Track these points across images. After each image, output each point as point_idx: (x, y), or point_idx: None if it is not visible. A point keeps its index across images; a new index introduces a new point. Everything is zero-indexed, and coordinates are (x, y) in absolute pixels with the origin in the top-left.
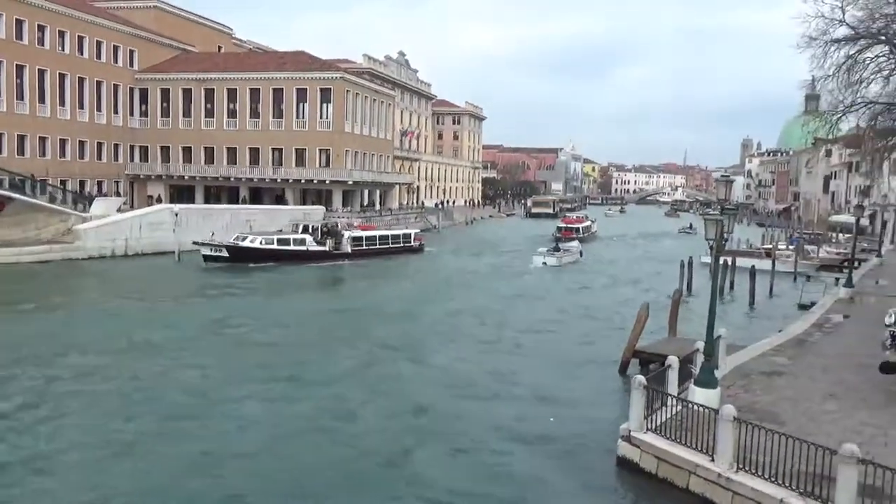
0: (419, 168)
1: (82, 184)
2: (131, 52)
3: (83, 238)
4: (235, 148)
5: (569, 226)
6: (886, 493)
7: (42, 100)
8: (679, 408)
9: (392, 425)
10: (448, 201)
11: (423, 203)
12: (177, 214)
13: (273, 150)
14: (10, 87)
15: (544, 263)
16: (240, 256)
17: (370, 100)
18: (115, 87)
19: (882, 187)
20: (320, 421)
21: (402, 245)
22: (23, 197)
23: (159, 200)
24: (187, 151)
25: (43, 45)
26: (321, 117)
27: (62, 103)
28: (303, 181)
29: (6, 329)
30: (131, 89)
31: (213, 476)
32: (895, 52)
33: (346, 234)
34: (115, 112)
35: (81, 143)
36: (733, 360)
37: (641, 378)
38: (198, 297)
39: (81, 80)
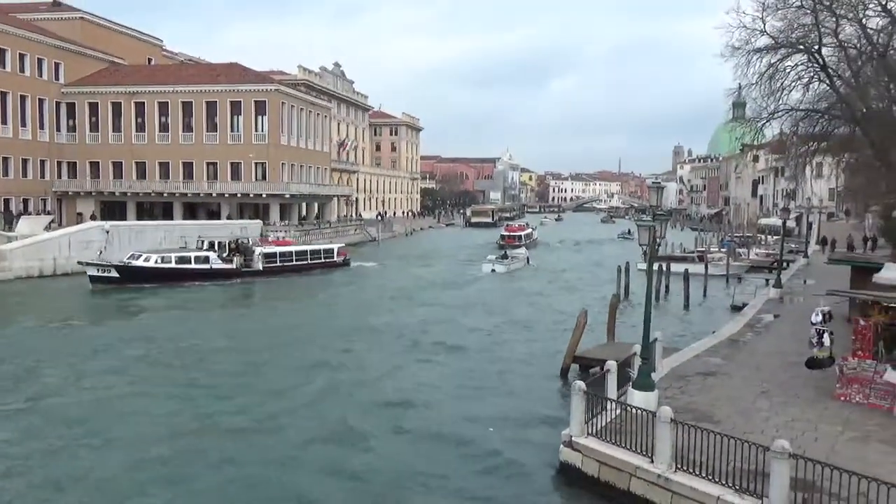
0: (357, 180)
1: (7, 202)
2: (56, 64)
3: (9, 258)
4: (168, 162)
5: (512, 233)
6: (818, 486)
7: None
8: (619, 411)
9: (316, 447)
10: (387, 213)
11: (360, 215)
12: (107, 232)
13: (207, 164)
14: None
15: (493, 270)
16: (132, 277)
17: (306, 111)
18: (41, 101)
19: (806, 190)
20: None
21: (322, 260)
22: None
23: (94, 218)
24: (118, 167)
25: None
26: (256, 130)
27: None
28: (239, 195)
29: None
30: (58, 103)
31: None
32: (813, 61)
33: (258, 249)
34: (41, 127)
35: (5, 160)
36: (670, 363)
37: (581, 383)
38: (59, 323)
39: (4, 95)
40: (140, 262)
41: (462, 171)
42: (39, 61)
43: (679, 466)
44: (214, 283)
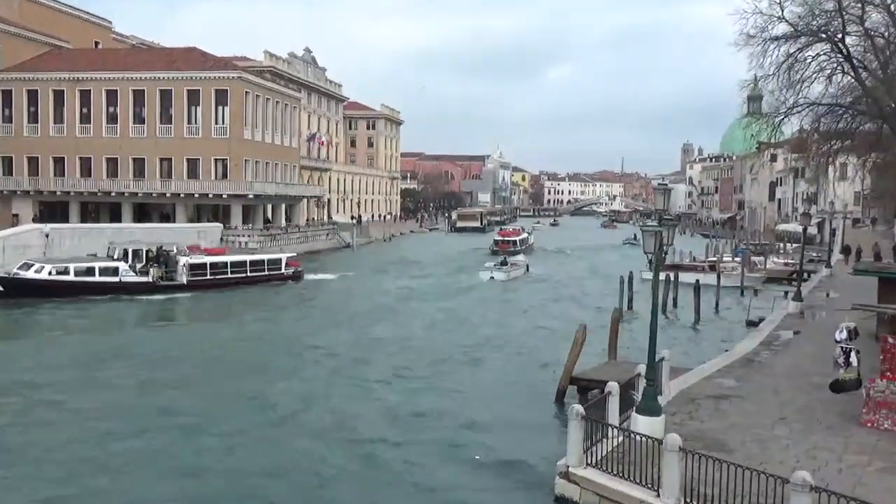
0: (329, 179)
1: None
2: None
3: None
4: (116, 158)
5: (506, 238)
6: None
7: None
8: (621, 439)
9: (289, 477)
10: (361, 216)
11: (331, 218)
12: (47, 235)
13: (161, 160)
14: None
15: (492, 278)
16: (20, 291)
17: (273, 102)
18: None
19: (828, 193)
20: None
21: (266, 273)
22: None
23: (36, 220)
24: (59, 163)
25: None
26: (216, 123)
27: None
28: (196, 195)
29: None
30: None
31: None
32: (836, 51)
33: (183, 259)
34: None
35: None
36: (678, 385)
37: (579, 407)
38: None
39: None
40: (30, 274)
41: (447, 170)
42: None
43: (688, 501)
44: (123, 299)
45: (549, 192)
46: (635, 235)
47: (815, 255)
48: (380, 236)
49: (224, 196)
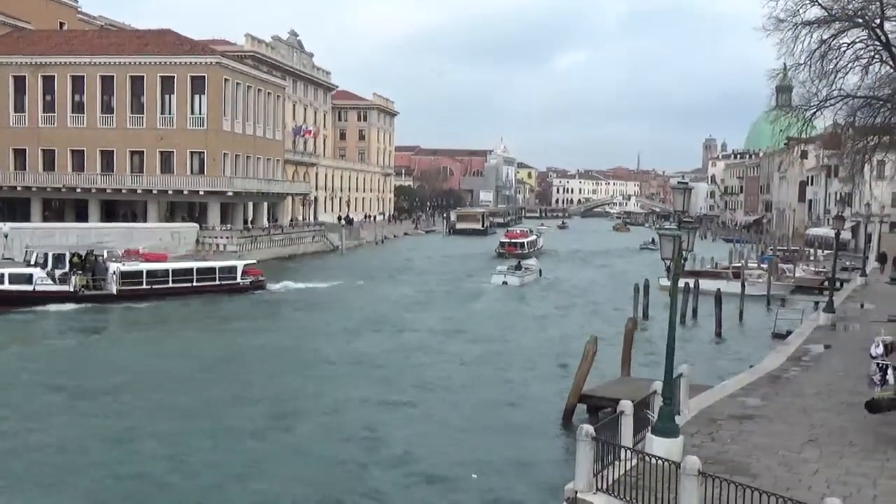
0: (316, 175)
1: None
2: None
3: None
4: (83, 151)
5: (512, 240)
6: None
7: None
8: (634, 462)
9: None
10: (349, 216)
11: (317, 218)
12: (6, 236)
13: (132, 153)
14: None
15: (504, 283)
16: None
17: (254, 90)
18: None
19: (864, 194)
20: None
21: (218, 282)
22: None
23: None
24: (20, 155)
25: None
26: (193, 112)
27: None
28: (170, 192)
29: None
30: None
31: None
32: (874, 38)
33: (113, 266)
34: None
35: None
36: (697, 403)
37: (589, 427)
38: None
39: None
40: None
41: (446, 166)
42: None
43: None
44: (36, 311)
45: (558, 191)
46: (653, 239)
47: (848, 262)
48: (371, 238)
49: (200, 193)
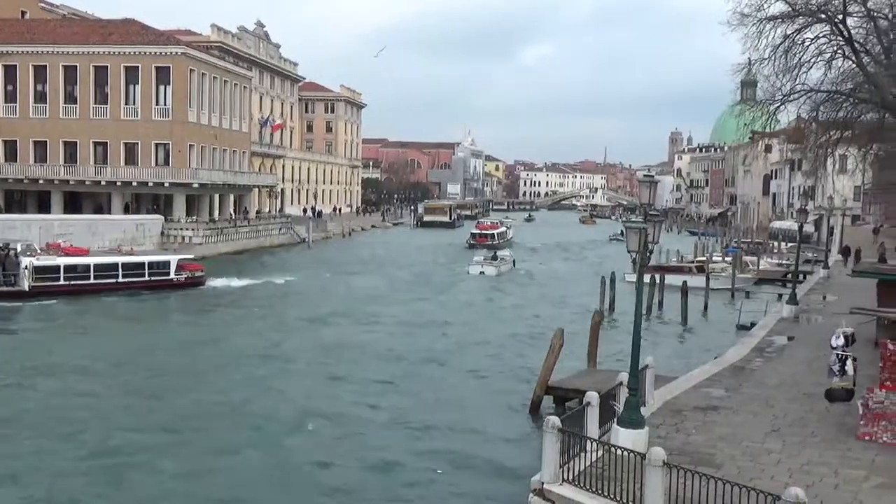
0: (283, 167)
1: None
2: None
3: None
4: (45, 142)
5: (483, 232)
6: None
7: None
8: (600, 453)
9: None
10: (316, 208)
11: (282, 210)
12: None
13: (95, 144)
14: None
15: (482, 273)
16: None
17: (220, 81)
18: None
19: (827, 188)
20: None
21: (147, 279)
22: None
23: None
24: None
25: None
26: (157, 103)
27: None
28: (135, 184)
29: None
30: None
31: None
32: (837, 33)
33: (26, 261)
34: None
35: None
36: (663, 394)
37: (555, 419)
38: None
39: None
40: None
41: (413, 158)
42: None
43: None
44: None
45: (525, 184)
46: (622, 231)
47: (811, 255)
48: (338, 231)
49: (166, 185)
